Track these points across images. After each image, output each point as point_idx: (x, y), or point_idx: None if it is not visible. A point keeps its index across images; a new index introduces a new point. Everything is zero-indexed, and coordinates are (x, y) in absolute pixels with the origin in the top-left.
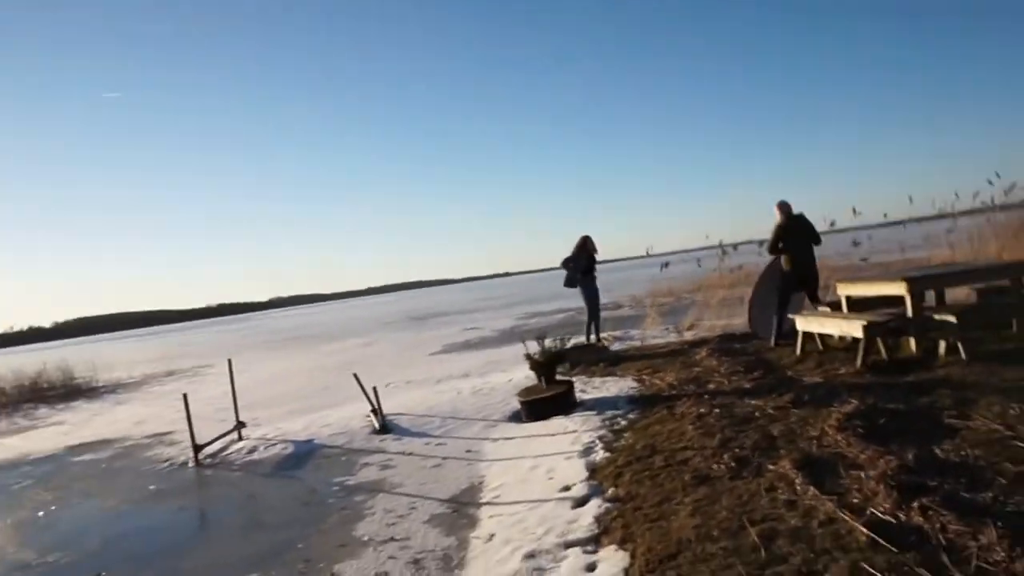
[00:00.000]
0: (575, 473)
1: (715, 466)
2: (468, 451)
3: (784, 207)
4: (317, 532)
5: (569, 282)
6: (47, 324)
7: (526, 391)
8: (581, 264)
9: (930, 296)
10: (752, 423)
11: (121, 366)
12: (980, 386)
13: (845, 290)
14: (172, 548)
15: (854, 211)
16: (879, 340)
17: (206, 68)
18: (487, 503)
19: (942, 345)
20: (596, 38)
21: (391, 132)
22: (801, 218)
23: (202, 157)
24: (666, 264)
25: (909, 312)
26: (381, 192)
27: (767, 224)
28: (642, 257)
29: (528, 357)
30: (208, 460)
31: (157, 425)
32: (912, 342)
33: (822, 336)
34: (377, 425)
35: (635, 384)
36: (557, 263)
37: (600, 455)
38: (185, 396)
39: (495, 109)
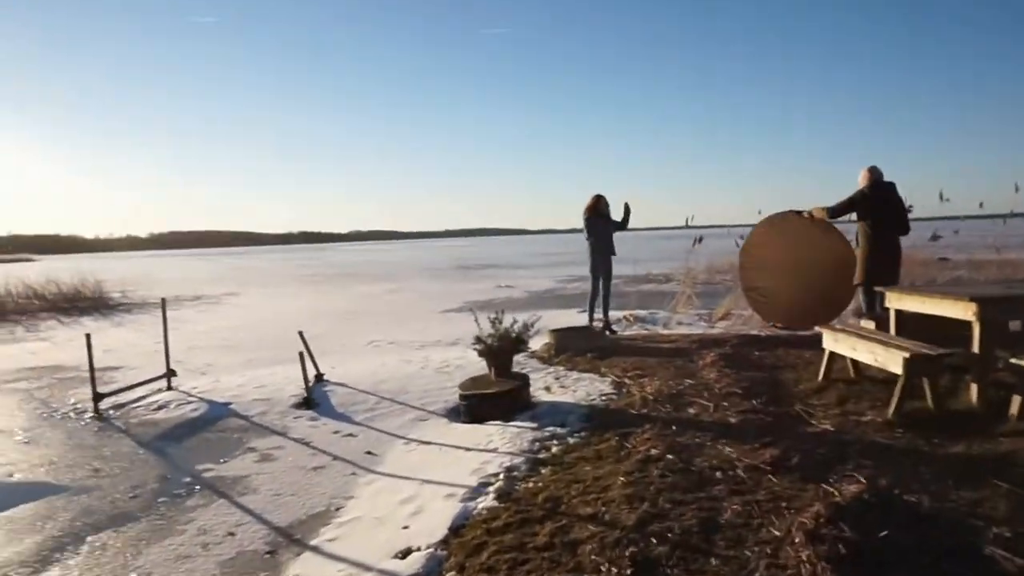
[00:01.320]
0: (435, 527)
1: (604, 568)
2: (368, 453)
3: (873, 171)
4: (94, 548)
5: (605, 237)
6: (143, 234)
7: (471, 382)
8: (599, 227)
9: (1016, 325)
10: (704, 490)
11: (165, 285)
12: None
13: (896, 302)
14: None
15: (941, 196)
16: (926, 382)
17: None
18: (313, 548)
19: (1016, 402)
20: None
21: (496, 78)
22: (891, 190)
23: (307, 87)
24: (700, 239)
25: (976, 347)
26: (477, 138)
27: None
28: (682, 228)
29: (478, 341)
30: (110, 412)
31: (117, 358)
32: (974, 390)
33: (855, 359)
34: (304, 397)
35: (610, 390)
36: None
37: (487, 502)
38: (88, 337)
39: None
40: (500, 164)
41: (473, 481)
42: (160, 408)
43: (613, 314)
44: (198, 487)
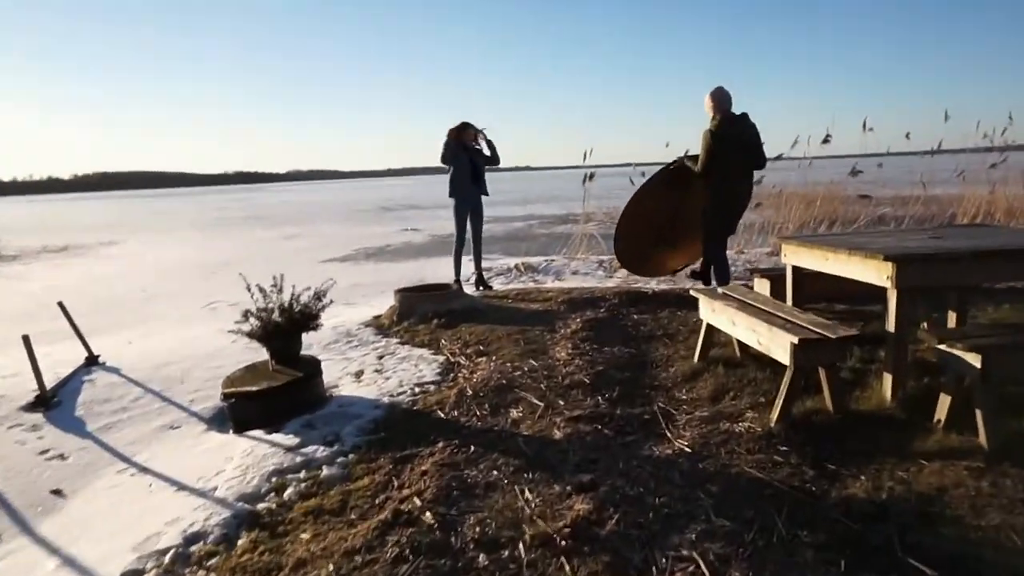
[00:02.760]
0: None
1: None
2: (54, 492)
3: (721, 100)
4: None
5: (473, 174)
6: (66, 176)
7: (244, 372)
8: (464, 160)
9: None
10: None
11: (50, 231)
12: (1015, 558)
13: (793, 257)
14: None
15: (864, 126)
16: (823, 374)
17: None
18: None
19: (943, 404)
20: None
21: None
22: (743, 122)
23: (249, 22)
24: (590, 176)
25: (891, 324)
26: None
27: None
28: (577, 167)
29: (248, 317)
30: None
31: None
32: (887, 381)
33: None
34: (46, 391)
35: (433, 377)
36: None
37: None
38: None
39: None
40: (449, 99)
41: (118, 566)
42: None
43: (501, 262)
44: None
